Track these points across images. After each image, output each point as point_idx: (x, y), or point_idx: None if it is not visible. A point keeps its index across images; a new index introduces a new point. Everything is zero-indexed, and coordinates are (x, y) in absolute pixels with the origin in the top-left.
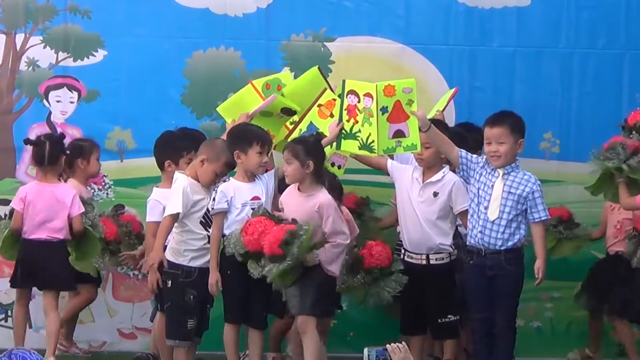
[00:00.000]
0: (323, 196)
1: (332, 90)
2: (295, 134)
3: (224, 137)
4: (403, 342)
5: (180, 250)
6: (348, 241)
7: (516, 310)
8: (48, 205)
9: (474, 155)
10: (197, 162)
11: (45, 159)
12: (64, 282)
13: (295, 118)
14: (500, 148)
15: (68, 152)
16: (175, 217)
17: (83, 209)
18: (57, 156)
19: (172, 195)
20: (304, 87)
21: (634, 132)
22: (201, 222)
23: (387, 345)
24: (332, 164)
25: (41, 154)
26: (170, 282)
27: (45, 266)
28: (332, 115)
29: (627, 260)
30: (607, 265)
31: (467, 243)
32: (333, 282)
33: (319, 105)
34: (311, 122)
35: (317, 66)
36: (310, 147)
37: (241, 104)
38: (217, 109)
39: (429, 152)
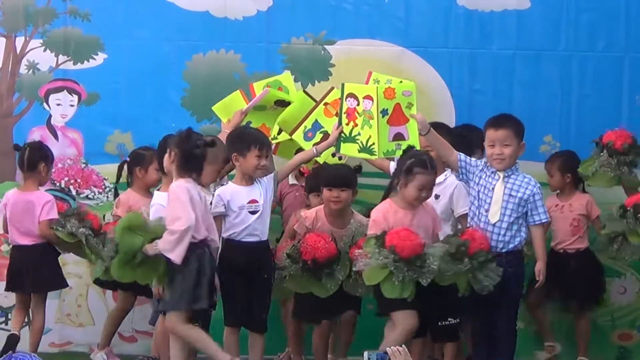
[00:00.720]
0: (172, 184)
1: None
2: (299, 132)
3: (220, 136)
4: (403, 345)
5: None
6: (184, 227)
7: (517, 313)
8: (23, 213)
9: (473, 159)
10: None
11: (24, 165)
12: (52, 282)
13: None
14: (505, 150)
15: (128, 159)
16: None
17: (53, 216)
18: (36, 163)
19: None
20: (295, 112)
21: (604, 151)
22: None
23: (387, 349)
24: (334, 155)
25: (21, 160)
26: None
27: (33, 270)
28: (337, 114)
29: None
30: (565, 262)
31: None
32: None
33: (326, 104)
34: (316, 120)
35: (302, 90)
36: (178, 138)
37: (234, 105)
38: (212, 107)
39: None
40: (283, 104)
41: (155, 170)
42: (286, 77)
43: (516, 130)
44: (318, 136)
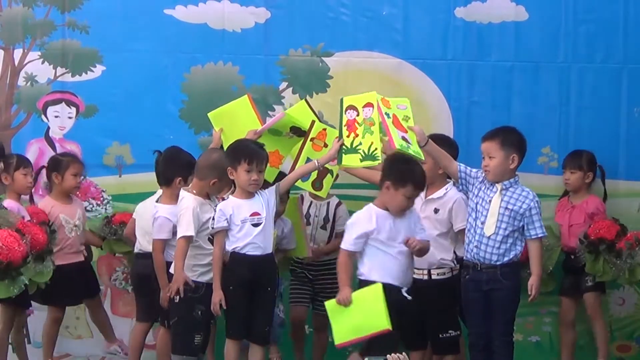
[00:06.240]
0: None
1: (319, 119)
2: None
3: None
4: (404, 353)
5: (189, 266)
6: None
7: (513, 324)
8: None
9: (474, 170)
10: (208, 184)
11: None
12: None
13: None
14: (490, 162)
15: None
16: (189, 239)
17: None
18: None
19: (183, 217)
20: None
21: None
22: (209, 239)
23: (388, 356)
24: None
25: None
26: (178, 297)
27: None
28: (325, 145)
29: None
30: None
31: (464, 258)
32: None
33: (312, 139)
34: (308, 158)
35: (304, 99)
36: None
37: (233, 115)
38: (208, 114)
39: (425, 168)
40: (300, 132)
41: (72, 176)
42: (301, 107)
43: (503, 142)
44: (314, 173)
